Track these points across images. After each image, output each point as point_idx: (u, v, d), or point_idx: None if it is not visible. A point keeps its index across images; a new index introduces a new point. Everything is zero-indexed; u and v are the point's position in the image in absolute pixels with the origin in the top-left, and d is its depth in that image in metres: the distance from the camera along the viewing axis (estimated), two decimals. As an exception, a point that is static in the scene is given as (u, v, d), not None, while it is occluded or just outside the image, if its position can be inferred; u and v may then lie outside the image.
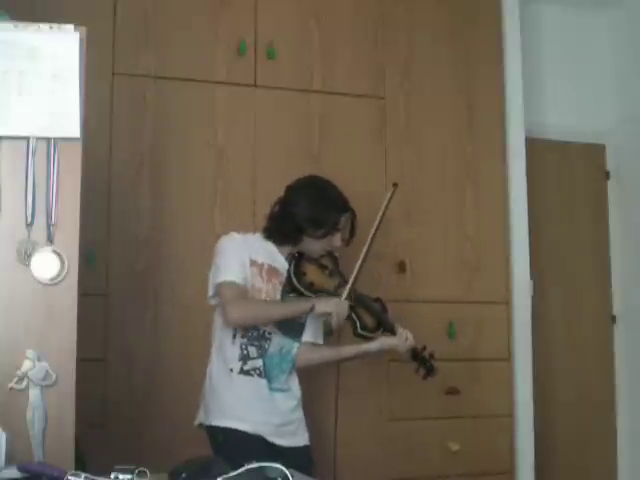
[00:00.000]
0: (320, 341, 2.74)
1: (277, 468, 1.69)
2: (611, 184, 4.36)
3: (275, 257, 2.64)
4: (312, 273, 2.62)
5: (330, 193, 2.66)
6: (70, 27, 1.96)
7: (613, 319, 4.27)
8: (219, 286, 2.52)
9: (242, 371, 2.55)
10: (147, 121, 3.18)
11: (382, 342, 2.66)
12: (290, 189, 2.68)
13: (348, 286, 2.59)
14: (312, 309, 2.49)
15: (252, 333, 2.56)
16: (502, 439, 3.57)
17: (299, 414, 2.67)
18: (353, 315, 2.63)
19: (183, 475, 1.72)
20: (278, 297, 2.60)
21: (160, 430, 2.99)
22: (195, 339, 2.99)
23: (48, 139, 1.91)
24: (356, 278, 2.62)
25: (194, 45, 3.27)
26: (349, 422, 3.25)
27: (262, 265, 2.59)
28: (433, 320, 3.43)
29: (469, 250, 3.62)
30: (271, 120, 3.33)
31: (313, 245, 2.63)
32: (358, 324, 2.63)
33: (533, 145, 3.94)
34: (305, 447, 2.65)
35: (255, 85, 3.34)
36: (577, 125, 4.25)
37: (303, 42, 3.44)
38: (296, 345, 2.64)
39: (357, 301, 2.64)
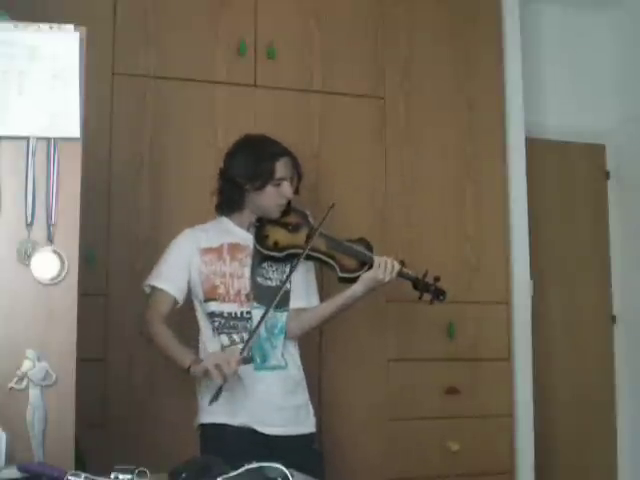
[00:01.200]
0: (315, 302, 2.66)
1: (277, 468, 1.69)
2: (611, 184, 4.36)
3: (233, 232, 2.60)
4: (274, 233, 2.56)
5: (261, 144, 2.61)
6: (70, 27, 1.96)
7: (613, 319, 4.27)
8: (151, 289, 2.55)
9: None
10: (147, 121, 3.18)
11: (363, 279, 2.50)
12: (225, 155, 2.66)
13: (315, 235, 2.54)
14: (188, 369, 2.41)
15: (228, 322, 2.51)
16: (502, 439, 3.57)
17: (300, 399, 2.58)
18: (330, 261, 2.56)
19: (183, 475, 1.73)
20: (246, 273, 2.54)
21: (160, 430, 2.99)
22: (195, 339, 2.99)
23: (48, 139, 1.92)
24: (319, 226, 2.56)
25: (194, 45, 3.27)
26: (349, 422, 3.26)
27: (221, 247, 2.55)
28: (433, 320, 3.43)
29: (469, 250, 3.62)
30: (271, 120, 3.32)
31: (262, 202, 2.56)
32: (337, 268, 2.55)
33: (533, 145, 3.94)
34: (307, 435, 2.56)
35: (255, 85, 3.34)
36: (577, 125, 4.25)
37: (303, 42, 3.44)
38: (284, 315, 2.56)
39: (332, 247, 2.57)
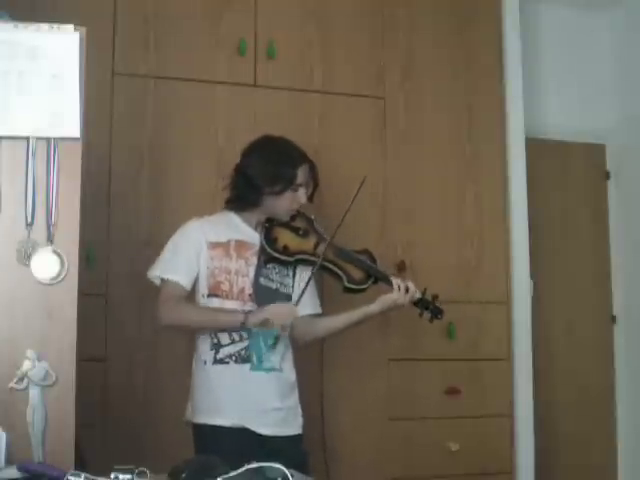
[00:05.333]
0: (319, 308, 2.67)
1: (277, 468, 1.69)
2: (611, 184, 4.36)
3: (241, 229, 2.58)
4: (284, 237, 2.55)
5: (284, 148, 2.61)
6: (70, 27, 1.96)
7: (613, 319, 4.27)
8: (161, 281, 2.51)
9: (216, 360, 2.48)
10: (147, 121, 3.18)
11: (382, 301, 2.56)
12: (244, 153, 2.63)
13: (325, 244, 2.54)
14: (244, 323, 2.40)
15: None
16: (502, 439, 3.57)
17: (291, 402, 2.57)
18: (339, 271, 2.57)
19: (183, 475, 1.73)
20: (251, 272, 2.52)
21: (160, 430, 2.99)
22: (194, 339, 2.99)
23: (48, 139, 1.91)
24: (333, 235, 2.55)
25: (194, 45, 3.27)
26: (349, 422, 3.26)
27: (228, 243, 2.53)
28: (433, 320, 3.43)
29: (469, 250, 3.62)
30: (271, 120, 3.32)
31: (276, 205, 2.55)
32: (345, 278, 2.57)
33: (533, 145, 3.94)
34: (295, 437, 2.56)
35: (255, 85, 3.34)
36: (577, 125, 4.25)
37: (303, 42, 3.44)
38: None
39: (340, 256, 2.58)
